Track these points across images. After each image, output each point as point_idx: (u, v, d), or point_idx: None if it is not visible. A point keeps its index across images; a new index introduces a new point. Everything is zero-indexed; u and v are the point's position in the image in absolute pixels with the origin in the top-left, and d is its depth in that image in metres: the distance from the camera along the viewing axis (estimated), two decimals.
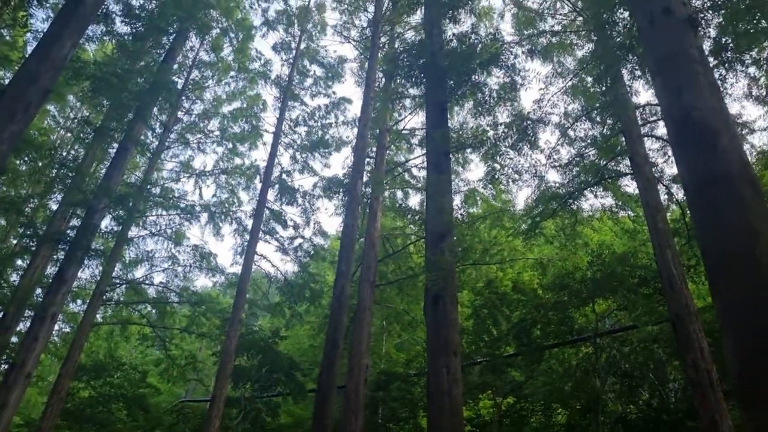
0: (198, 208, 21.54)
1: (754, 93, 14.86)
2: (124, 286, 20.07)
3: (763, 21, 11.94)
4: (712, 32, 11.74)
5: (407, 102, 19.73)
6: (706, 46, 11.80)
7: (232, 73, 24.11)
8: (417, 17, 17.95)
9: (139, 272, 22.30)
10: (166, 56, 19.09)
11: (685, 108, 4.65)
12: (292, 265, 22.82)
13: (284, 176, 22.42)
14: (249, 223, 20.99)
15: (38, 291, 18.57)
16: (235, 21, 23.29)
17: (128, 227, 17.96)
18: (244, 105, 24.44)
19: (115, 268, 18.40)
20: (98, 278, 17.43)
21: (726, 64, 12.27)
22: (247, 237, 19.65)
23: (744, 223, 3.99)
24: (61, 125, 27.87)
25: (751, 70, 13.79)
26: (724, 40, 11.87)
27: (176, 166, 23.32)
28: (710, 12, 11.45)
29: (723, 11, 11.59)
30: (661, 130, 15.80)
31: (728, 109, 4.73)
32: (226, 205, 23.07)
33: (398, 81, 14.87)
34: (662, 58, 5.17)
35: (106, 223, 17.67)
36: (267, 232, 21.18)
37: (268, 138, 22.63)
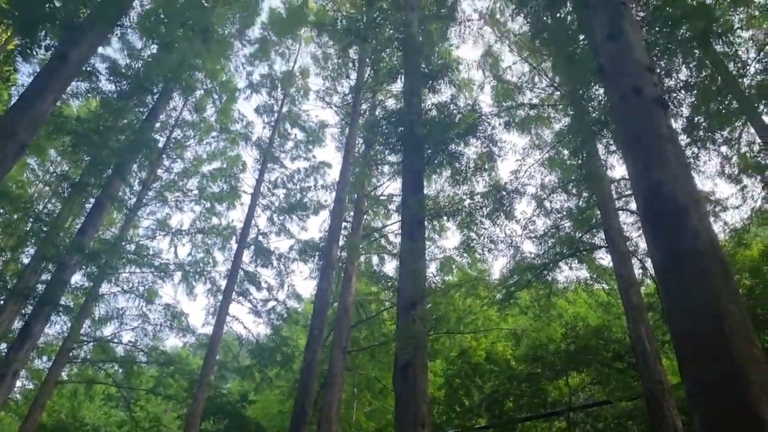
0: (172, 266, 21.28)
1: (726, 171, 15.21)
2: (91, 343, 19.55)
3: (735, 102, 12.34)
4: (685, 111, 12.06)
5: (386, 168, 19.87)
6: (679, 124, 12.12)
7: (214, 134, 24.28)
8: (397, 86, 18.30)
9: (107, 330, 21.84)
10: (149, 114, 19.18)
11: (654, 185, 4.69)
12: (264, 328, 22.54)
13: (260, 238, 22.33)
14: (223, 283, 20.76)
15: (2, 346, 18.02)
16: (220, 83, 23.61)
17: (100, 284, 17.64)
18: (224, 165, 24.52)
19: (84, 325, 17.97)
20: (65, 335, 16.98)
21: (698, 143, 12.56)
22: (221, 297, 19.38)
23: (712, 302, 3.98)
24: (39, 178, 27.68)
25: (723, 149, 14.17)
26: (696, 119, 12.20)
27: (153, 223, 23.14)
28: (683, 92, 11.80)
29: (695, 91, 11.95)
30: (635, 204, 16.01)
31: (698, 186, 4.78)
32: (201, 264, 22.84)
33: (377, 147, 14.99)
34: (632, 136, 5.25)
35: (77, 278, 17.35)
36: (240, 293, 20.93)
37: (246, 199, 22.63)
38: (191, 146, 23.84)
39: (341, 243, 17.94)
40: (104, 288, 19.13)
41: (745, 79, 12.83)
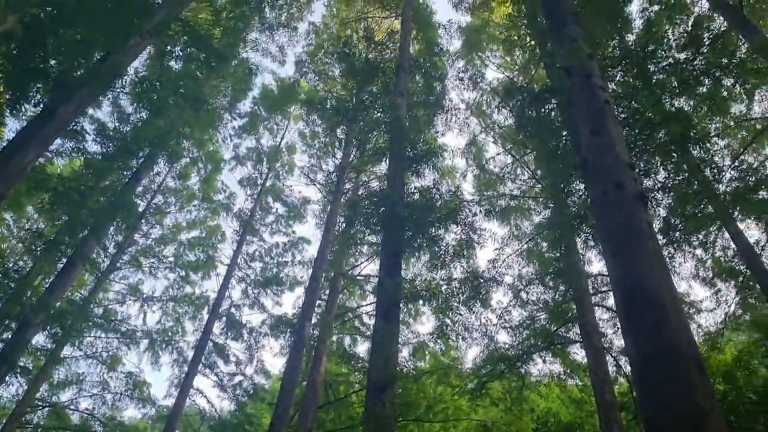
0: (140, 333, 20.77)
1: (701, 274, 15.37)
2: (46, 408, 18.73)
3: (710, 207, 12.58)
4: (662, 212, 12.25)
5: (364, 248, 19.80)
6: (656, 224, 12.29)
7: (196, 202, 24.23)
8: (382, 167, 18.53)
9: (65, 395, 20.99)
10: (131, 178, 19.11)
11: (634, 281, 4.68)
12: (228, 403, 21.75)
13: (233, 309, 21.97)
14: (190, 354, 20.21)
15: None
16: (206, 152, 23.76)
17: (62, 346, 17.07)
18: (203, 234, 24.37)
19: (41, 389, 17.26)
20: (20, 398, 16.27)
21: (674, 244, 12.71)
22: (186, 368, 18.82)
23: (690, 402, 3.90)
24: (14, 235, 27.21)
25: (699, 252, 14.35)
26: (672, 220, 12.39)
27: (124, 288, 22.68)
28: (660, 193, 12.03)
29: (672, 193, 12.19)
30: (612, 301, 16.04)
31: (676, 285, 4.78)
32: (170, 333, 22.30)
33: (357, 227, 14.99)
34: (613, 231, 5.28)
35: (39, 339, 16.79)
36: (207, 365, 20.37)
37: (223, 269, 22.42)
38: (171, 213, 23.73)
39: (314, 321, 17.64)
40: (66, 351, 18.52)
41: (720, 185, 13.14)
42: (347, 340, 20.57)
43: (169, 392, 21.23)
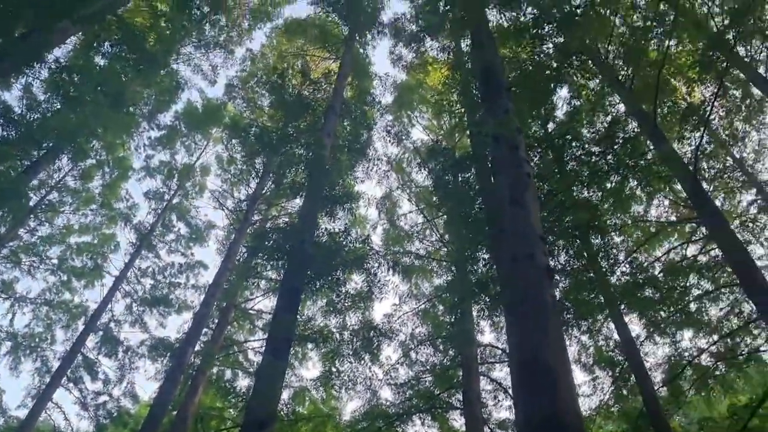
0: (3, 335, 19.25)
1: (582, 359, 15.88)
2: None
3: (601, 296, 13.13)
4: (557, 294, 12.66)
5: (263, 283, 19.42)
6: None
7: (94, 206, 23.12)
8: (294, 204, 18.37)
9: None
10: (28, 168, 18.01)
11: (532, 350, 4.75)
12: (87, 424, 20.29)
13: (112, 324, 20.81)
14: (56, 365, 18.87)
15: None
16: (116, 158, 22.80)
17: None
18: (95, 241, 23.17)
19: None
20: None
21: (564, 326, 13.12)
22: (48, 379, 17.53)
23: None
24: None
25: (584, 337, 14.87)
26: (565, 303, 12.82)
27: None
28: (559, 275, 12.47)
29: (569, 278, 12.68)
30: (497, 372, 16.34)
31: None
32: (37, 339, 20.80)
33: (260, 260, 14.65)
34: (518, 299, 5.38)
35: None
36: (73, 379, 19.09)
37: (110, 281, 21.27)
38: (65, 213, 22.48)
39: (197, 348, 16.96)
40: None
41: (613, 278, 13.76)
42: (228, 373, 19.82)
43: (23, 402, 19.60)
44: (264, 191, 19.41)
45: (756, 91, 15.60)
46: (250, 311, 20.43)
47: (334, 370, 15.25)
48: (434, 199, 16.54)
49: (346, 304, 13.85)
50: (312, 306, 17.77)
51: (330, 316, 14.90)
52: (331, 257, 11.60)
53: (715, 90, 13.00)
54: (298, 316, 11.52)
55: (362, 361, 15.02)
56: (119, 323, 21.29)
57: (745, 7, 12.10)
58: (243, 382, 19.88)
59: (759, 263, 12.39)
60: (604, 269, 13.40)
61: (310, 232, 11.38)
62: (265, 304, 20.29)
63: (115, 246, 23.55)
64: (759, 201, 16.98)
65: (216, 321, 18.50)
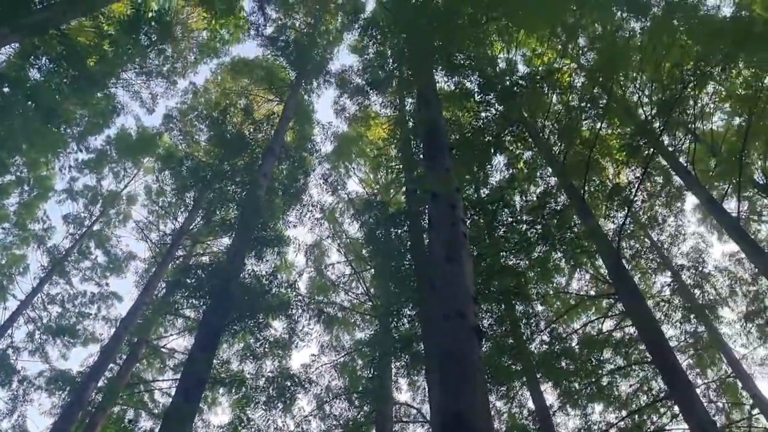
0: None
1: (496, 425, 15.88)
2: None
3: (520, 364, 13.28)
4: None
5: (179, 321, 18.77)
6: None
7: (7, 225, 21.95)
8: (221, 243, 18.00)
9: None
10: None
11: (457, 409, 4.70)
12: None
13: (10, 351, 19.51)
14: None
15: None
16: (37, 176, 21.85)
17: None
18: (3, 261, 21.92)
19: None
20: None
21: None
22: None
23: None
24: None
25: (499, 403, 14.92)
26: (486, 367, 12.86)
27: None
28: (484, 342, 12.51)
29: (490, 342, 12.76)
30: (432, 425, 16.10)
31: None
32: None
33: (180, 296, 14.18)
34: (445, 357, 5.34)
35: None
36: None
37: (14, 304, 20.04)
38: None
39: (101, 384, 16.09)
40: None
41: (532, 346, 13.95)
42: (131, 413, 18.81)
43: None
44: (192, 227, 18.92)
45: (677, 179, 16.47)
46: (163, 349, 19.60)
47: (244, 417, 14.71)
48: (364, 251, 16.51)
49: (264, 350, 13.49)
50: (228, 349, 17.26)
51: (247, 361, 14.47)
52: (255, 300, 11.35)
53: (640, 174, 13.64)
54: (214, 359, 11.13)
55: (275, 411, 14.57)
56: (18, 351, 20.02)
57: (672, 100, 12.87)
58: (146, 424, 18.91)
59: (671, 343, 12.83)
60: (525, 336, 13.58)
61: (236, 271, 11.11)
62: (179, 343, 19.61)
63: (24, 268, 22.36)
64: (673, 284, 17.70)
65: (124, 356, 17.65)
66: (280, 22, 20.40)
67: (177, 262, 18.49)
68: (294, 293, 13.58)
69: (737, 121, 16.79)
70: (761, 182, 16.71)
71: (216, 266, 12.33)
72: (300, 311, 14.11)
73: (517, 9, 12.36)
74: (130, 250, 23.71)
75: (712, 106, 16.54)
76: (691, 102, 14.21)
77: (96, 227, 22.86)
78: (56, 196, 22.96)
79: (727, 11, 18.30)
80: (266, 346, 13.68)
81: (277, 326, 15.13)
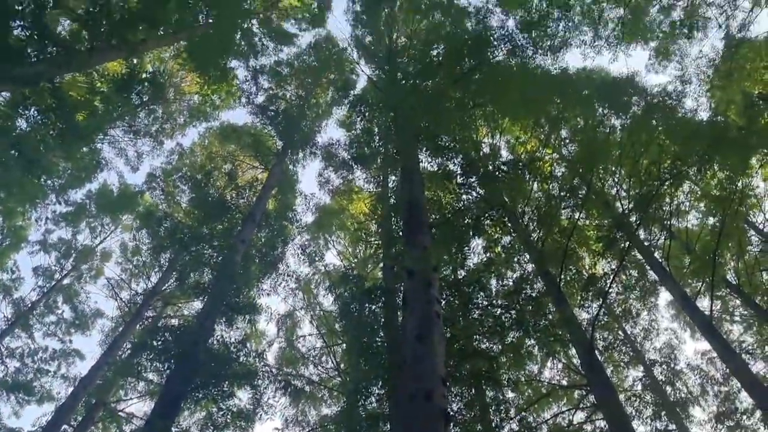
0: None
1: None
2: None
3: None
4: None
5: (141, 384, 18.21)
6: None
7: None
8: (193, 307, 17.69)
9: None
10: None
11: None
12: None
13: None
14: None
15: None
16: (11, 225, 21.53)
17: None
18: None
19: None
20: None
21: None
22: None
23: None
24: None
25: None
26: None
27: None
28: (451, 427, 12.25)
29: (459, 427, 12.48)
30: None
31: None
32: None
33: (145, 359, 13.83)
34: None
35: None
36: None
37: None
38: None
39: None
40: None
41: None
42: None
43: None
44: (164, 287, 18.62)
45: (652, 273, 16.62)
46: (121, 413, 18.88)
47: None
48: (337, 325, 16.32)
49: (227, 420, 13.05)
50: (189, 417, 16.69)
51: (207, 431, 13.98)
52: (221, 367, 11.08)
53: (616, 266, 13.77)
54: (173, 427, 10.75)
55: None
56: None
57: (649, 195, 13.14)
58: None
59: None
60: (494, 423, 13.30)
61: (204, 336, 10.88)
62: (138, 407, 18.90)
63: None
64: (645, 378, 17.59)
65: (80, 418, 16.98)
66: (271, 92, 20.80)
67: (146, 322, 18.10)
68: (262, 363, 13.29)
69: (711, 221, 17.12)
70: (734, 282, 16.90)
71: (184, 329, 12.10)
72: (267, 382, 13.78)
73: (503, 97, 12.72)
74: (98, 308, 23.22)
75: (687, 204, 16.88)
76: (668, 199, 14.49)
77: (66, 281, 22.44)
78: (29, 247, 22.61)
79: (704, 115, 18.95)
80: (229, 416, 13.22)
81: (242, 396, 14.72)
